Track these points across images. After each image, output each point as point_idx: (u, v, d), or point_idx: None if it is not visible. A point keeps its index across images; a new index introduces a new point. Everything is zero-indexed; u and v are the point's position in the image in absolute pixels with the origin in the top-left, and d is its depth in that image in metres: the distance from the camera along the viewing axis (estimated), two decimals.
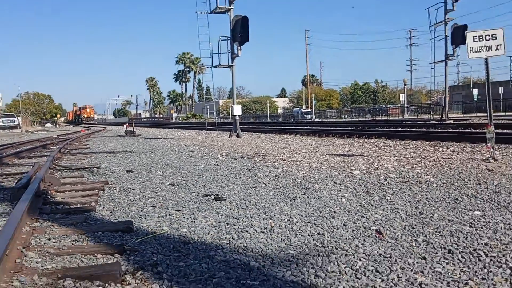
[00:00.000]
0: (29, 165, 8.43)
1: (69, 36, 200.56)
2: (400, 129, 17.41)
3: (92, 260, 2.79)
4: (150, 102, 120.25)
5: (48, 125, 76.88)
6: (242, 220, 3.80)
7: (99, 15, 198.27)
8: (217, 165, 7.87)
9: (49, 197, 4.78)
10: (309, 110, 59.83)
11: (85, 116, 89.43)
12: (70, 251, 2.87)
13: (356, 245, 3.01)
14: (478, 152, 8.07)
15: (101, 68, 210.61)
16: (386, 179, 5.59)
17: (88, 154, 11.19)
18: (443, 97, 26.02)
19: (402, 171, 6.19)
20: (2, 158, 9.50)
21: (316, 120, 48.33)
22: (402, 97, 49.94)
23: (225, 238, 3.30)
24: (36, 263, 2.69)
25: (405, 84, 53.76)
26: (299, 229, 3.47)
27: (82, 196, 4.85)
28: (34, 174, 5.70)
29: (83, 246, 3.06)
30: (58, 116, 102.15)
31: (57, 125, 79.61)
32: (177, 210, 4.23)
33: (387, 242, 3.07)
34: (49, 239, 3.18)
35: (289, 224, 3.61)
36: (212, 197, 4.83)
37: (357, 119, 44.89)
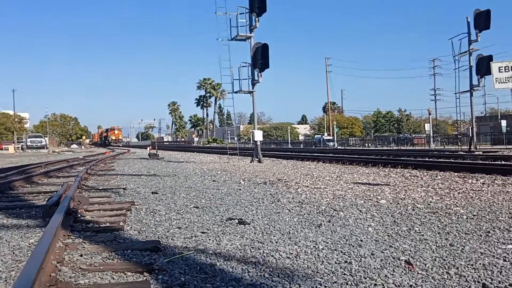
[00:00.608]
0: (58, 184, 8.65)
1: (96, 62, 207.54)
2: (427, 159, 17.12)
3: (123, 278, 2.84)
4: (172, 126, 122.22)
5: (74, 146, 78.87)
6: (267, 244, 3.79)
7: (123, 42, 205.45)
8: (240, 189, 7.90)
9: (79, 215, 4.90)
10: (331, 137, 59.56)
11: (113, 138, 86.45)
12: (101, 267, 2.93)
13: (385, 275, 2.96)
14: (510, 185, 7.86)
15: (125, 92, 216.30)
16: (414, 210, 5.50)
17: (114, 176, 11.41)
18: (470, 127, 25.60)
19: (431, 202, 6.08)
20: (32, 177, 9.79)
21: (338, 147, 48.01)
22: (427, 126, 49.22)
23: (251, 261, 3.29)
24: (70, 278, 2.75)
25: (429, 114, 53.06)
26: (326, 256, 3.44)
27: (110, 216, 4.95)
28: (64, 193, 5.85)
29: (113, 263, 3.12)
30: (84, 137, 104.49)
31: (83, 146, 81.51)
32: (202, 232, 4.26)
33: (418, 273, 3.01)
34: (81, 256, 3.26)
35: (315, 251, 3.58)
36: (236, 221, 4.84)
37: (381, 148, 44.31)
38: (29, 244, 3.74)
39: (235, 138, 64.25)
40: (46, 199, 5.93)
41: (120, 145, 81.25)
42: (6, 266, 3.08)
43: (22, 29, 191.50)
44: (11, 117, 69.47)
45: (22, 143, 51.54)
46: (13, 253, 3.45)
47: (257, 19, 17.98)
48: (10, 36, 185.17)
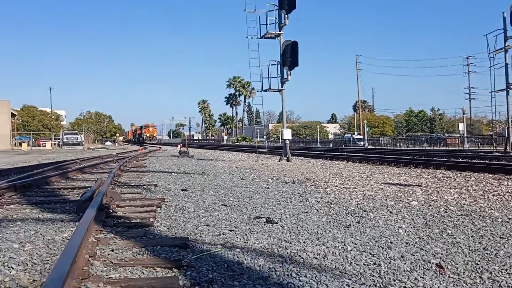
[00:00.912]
0: (92, 180, 8.91)
1: (130, 62, 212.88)
2: (460, 160, 16.61)
3: (152, 273, 2.90)
4: (202, 124, 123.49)
5: (108, 143, 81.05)
6: (295, 244, 3.78)
7: (155, 42, 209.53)
8: (268, 188, 7.91)
9: (111, 211, 5.03)
10: (362, 136, 58.69)
11: (148, 135, 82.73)
12: (131, 262, 3.01)
13: (415, 278, 2.90)
14: None
15: (157, 91, 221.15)
16: (446, 212, 5.35)
17: (146, 172, 11.65)
18: (506, 127, 24.65)
19: (464, 204, 5.90)
20: (68, 173, 10.14)
21: (369, 147, 47.24)
22: (461, 126, 47.81)
23: (278, 261, 3.30)
24: (101, 271, 2.84)
25: (464, 113, 51.47)
26: (354, 257, 3.40)
27: (141, 212, 5.06)
28: (97, 189, 6.02)
29: (143, 258, 3.19)
30: (117, 135, 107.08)
31: (116, 143, 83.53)
32: (230, 230, 4.29)
33: (449, 277, 2.94)
34: (113, 250, 3.35)
35: (343, 252, 3.55)
36: (264, 219, 4.85)
37: (413, 148, 43.25)
38: (63, 238, 3.87)
39: (264, 137, 64.29)
40: (80, 195, 6.13)
41: (155, 142, 78.67)
42: (41, 259, 3.20)
43: (59, 29, 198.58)
44: (48, 114, 72.24)
45: (59, 140, 53.42)
46: (48, 246, 3.57)
47: (286, 16, 17.83)
48: (48, 36, 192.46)
